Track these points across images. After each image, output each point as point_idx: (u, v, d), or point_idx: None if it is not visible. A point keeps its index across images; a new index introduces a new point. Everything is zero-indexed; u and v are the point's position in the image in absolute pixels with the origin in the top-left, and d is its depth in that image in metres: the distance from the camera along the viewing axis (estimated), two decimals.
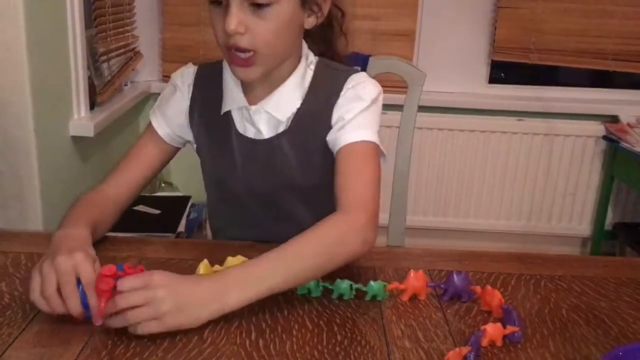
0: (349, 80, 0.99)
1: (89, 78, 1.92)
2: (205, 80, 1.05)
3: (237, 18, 0.87)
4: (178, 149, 1.09)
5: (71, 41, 1.76)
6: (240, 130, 1.02)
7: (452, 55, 2.47)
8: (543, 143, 2.47)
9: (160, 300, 0.73)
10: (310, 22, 0.97)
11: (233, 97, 1.01)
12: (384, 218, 1.35)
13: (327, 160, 0.99)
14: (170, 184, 2.43)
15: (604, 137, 2.40)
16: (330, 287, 0.85)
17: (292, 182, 1.02)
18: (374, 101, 0.98)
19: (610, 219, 2.52)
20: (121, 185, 1.02)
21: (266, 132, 1.01)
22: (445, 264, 0.97)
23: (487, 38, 2.47)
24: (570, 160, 2.48)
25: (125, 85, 2.34)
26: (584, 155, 2.47)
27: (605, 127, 2.40)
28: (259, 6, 0.88)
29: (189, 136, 1.07)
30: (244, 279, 0.78)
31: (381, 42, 2.40)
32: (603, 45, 2.41)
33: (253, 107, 0.99)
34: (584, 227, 2.57)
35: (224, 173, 1.05)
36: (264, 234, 1.01)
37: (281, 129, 1.00)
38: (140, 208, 1.97)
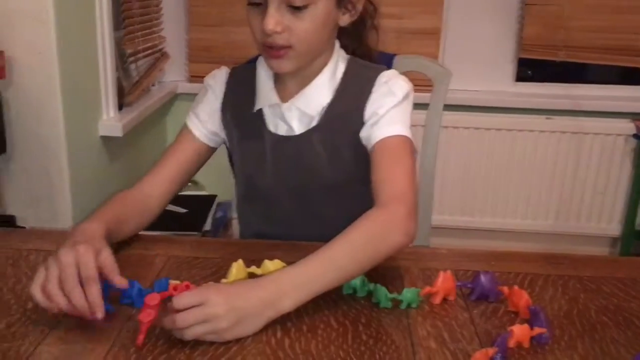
0: (379, 76, 1.01)
1: (118, 79, 1.95)
2: (237, 80, 1.07)
3: (275, 18, 0.91)
4: (214, 149, 1.10)
5: (100, 43, 1.79)
6: (272, 128, 1.04)
7: (478, 53, 2.45)
8: (572, 141, 2.43)
9: (219, 317, 0.73)
10: (344, 19, 0.99)
11: (265, 95, 1.03)
12: None
13: (358, 156, 1.00)
14: (196, 183, 2.45)
15: (634, 135, 2.36)
16: (371, 290, 0.85)
17: (321, 179, 1.04)
18: (405, 97, 0.99)
19: None
20: (155, 185, 1.04)
21: (297, 129, 1.02)
22: (472, 264, 0.96)
23: (514, 35, 2.44)
24: (600, 159, 2.44)
25: (153, 85, 2.37)
26: (614, 153, 2.43)
27: (636, 125, 2.36)
28: (296, 8, 0.91)
29: (223, 134, 1.09)
30: (296, 283, 0.78)
31: (406, 40, 2.39)
32: (633, 42, 2.36)
33: (284, 104, 1.01)
34: (613, 227, 2.52)
35: (253, 170, 1.07)
36: (291, 230, 1.03)
37: (312, 124, 1.01)
38: (167, 207, 1.99)
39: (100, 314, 0.74)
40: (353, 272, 0.83)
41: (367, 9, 1.04)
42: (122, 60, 2.06)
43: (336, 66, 1.02)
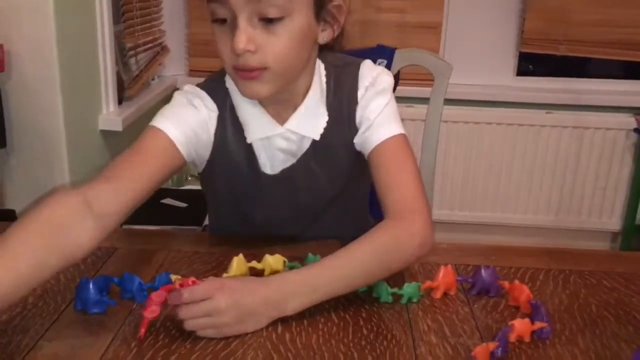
0: (360, 74, 0.94)
1: (117, 73, 1.94)
2: (223, 109, 0.93)
3: (246, 35, 0.79)
4: (184, 164, 0.92)
5: (100, 37, 1.78)
6: (263, 166, 0.95)
7: (479, 47, 2.44)
8: (572, 136, 2.43)
9: (222, 313, 0.72)
10: (325, 35, 0.88)
11: (258, 124, 0.92)
12: None
13: (353, 163, 0.96)
14: (196, 177, 2.45)
15: (635, 130, 2.35)
16: (372, 285, 0.84)
17: (320, 197, 1.00)
18: (389, 91, 0.95)
19: None
20: (112, 198, 0.80)
21: (295, 154, 0.95)
22: (473, 258, 0.96)
23: (515, 29, 2.43)
24: (600, 154, 2.44)
25: (153, 79, 2.37)
26: (615, 148, 2.43)
27: (637, 120, 2.35)
28: (269, 21, 0.80)
29: (198, 162, 0.96)
30: (303, 288, 0.77)
31: (407, 34, 2.38)
32: (634, 36, 2.36)
33: (280, 130, 0.92)
34: (614, 222, 2.52)
35: (244, 205, 1.00)
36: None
37: (306, 146, 0.94)
38: (167, 201, 1.99)
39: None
40: (361, 284, 0.82)
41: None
42: (121, 54, 2.05)
43: (320, 76, 0.94)
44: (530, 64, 2.56)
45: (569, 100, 2.40)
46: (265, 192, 0.97)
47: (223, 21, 0.82)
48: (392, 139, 0.91)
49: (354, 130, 0.94)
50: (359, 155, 0.95)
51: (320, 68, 0.94)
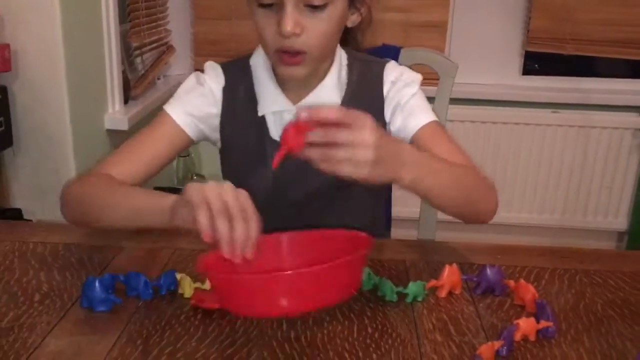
0: (385, 71, 1.00)
1: (123, 72, 1.95)
2: (236, 82, 1.01)
3: (293, 19, 0.85)
4: (191, 143, 1.02)
5: (106, 36, 1.79)
6: (274, 136, 0.99)
7: (484, 46, 2.44)
8: (579, 135, 2.42)
9: (366, 147, 0.68)
10: (353, 19, 0.96)
11: (272, 100, 0.98)
12: (414, 211, 1.36)
13: None
14: (202, 177, 2.46)
15: None
16: (377, 283, 0.84)
17: (327, 184, 0.99)
18: (417, 83, 1.00)
19: None
20: (126, 174, 0.94)
21: None
22: (478, 257, 0.96)
23: (521, 28, 2.43)
24: (607, 153, 2.43)
25: (158, 79, 2.37)
26: (621, 147, 2.42)
27: None
28: (314, 7, 0.86)
29: (213, 137, 1.03)
30: (419, 164, 0.79)
31: (412, 33, 2.38)
32: None
33: (291, 108, 0.97)
34: (620, 221, 2.51)
35: (252, 178, 1.01)
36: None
37: None
38: None
39: (250, 254, 0.68)
40: (458, 196, 0.86)
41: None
42: (127, 53, 2.06)
43: (340, 66, 0.99)
44: (536, 63, 2.55)
45: (575, 100, 2.39)
46: (270, 159, 0.97)
47: (269, 6, 0.87)
48: (432, 123, 0.97)
49: (379, 119, 0.97)
50: None
51: (342, 57, 0.99)
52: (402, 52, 1.31)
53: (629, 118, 2.38)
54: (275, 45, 0.88)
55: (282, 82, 0.98)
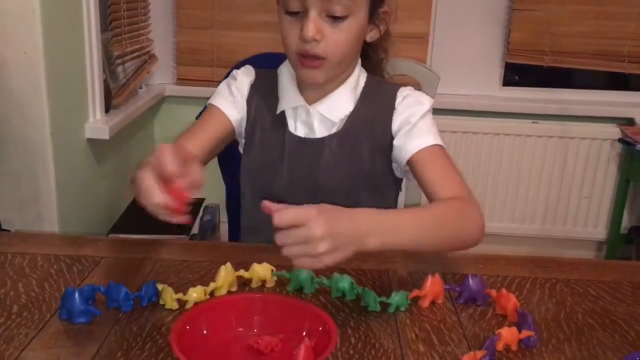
0: (399, 92, 1.04)
1: (105, 81, 1.94)
2: (261, 84, 1.08)
3: (315, 25, 0.92)
4: (232, 139, 1.09)
5: (87, 45, 1.77)
6: (292, 128, 1.04)
7: (465, 58, 2.46)
8: (558, 146, 2.45)
9: (317, 240, 0.71)
10: (372, 35, 1.02)
11: (290, 98, 1.04)
12: None
13: (375, 166, 1.03)
14: None
15: (620, 140, 2.38)
16: (360, 293, 0.84)
17: (335, 185, 1.03)
18: (429, 105, 1.03)
19: (626, 223, 2.49)
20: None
21: (318, 132, 1.03)
22: (460, 267, 0.96)
23: (502, 40, 2.46)
24: (586, 163, 2.46)
25: (140, 88, 2.36)
26: (600, 158, 2.45)
27: (621, 130, 2.38)
28: (335, 18, 0.93)
29: (239, 129, 1.08)
30: (384, 227, 0.79)
31: (394, 44, 2.39)
32: (619, 47, 2.39)
33: (309, 107, 1.02)
34: (599, 231, 2.54)
35: (269, 170, 1.06)
36: None
37: (334, 130, 1.02)
38: None
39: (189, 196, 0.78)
40: (433, 242, 0.86)
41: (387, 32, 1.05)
42: (109, 62, 2.04)
43: (358, 78, 1.04)
44: (516, 74, 2.58)
45: (554, 111, 2.42)
46: (289, 153, 1.03)
47: (295, 13, 0.94)
48: (436, 146, 0.99)
49: (386, 133, 1.01)
50: (382, 162, 1.03)
51: (361, 74, 1.05)
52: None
53: (608, 129, 2.42)
54: (297, 48, 0.95)
55: (302, 86, 1.03)
